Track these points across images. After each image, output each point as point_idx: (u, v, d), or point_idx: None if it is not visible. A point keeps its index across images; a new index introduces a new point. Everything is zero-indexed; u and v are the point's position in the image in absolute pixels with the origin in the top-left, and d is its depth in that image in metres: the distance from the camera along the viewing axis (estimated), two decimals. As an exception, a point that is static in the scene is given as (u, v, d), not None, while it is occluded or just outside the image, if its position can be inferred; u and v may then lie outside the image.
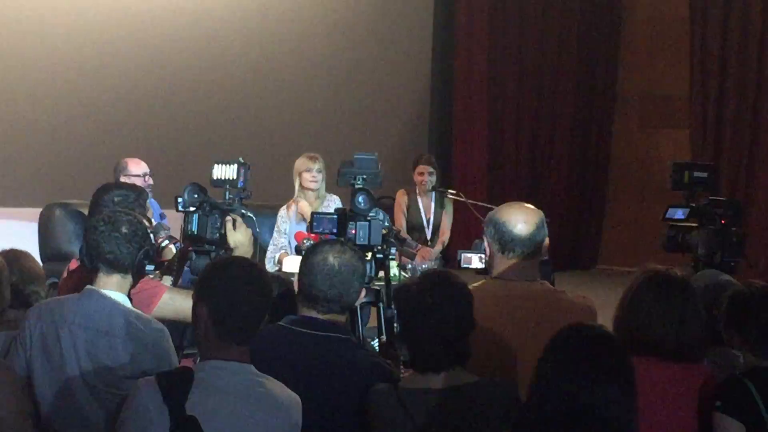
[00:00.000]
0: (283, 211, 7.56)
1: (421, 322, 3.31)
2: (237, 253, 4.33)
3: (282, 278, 4.94)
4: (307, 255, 3.67)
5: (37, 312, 3.78)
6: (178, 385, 3.01)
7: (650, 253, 6.55)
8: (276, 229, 7.54)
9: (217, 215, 4.40)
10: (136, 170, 7.42)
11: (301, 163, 7.57)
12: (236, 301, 3.11)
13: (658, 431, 3.51)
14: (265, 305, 3.18)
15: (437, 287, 3.35)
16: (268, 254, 7.48)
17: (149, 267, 3.91)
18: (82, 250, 3.84)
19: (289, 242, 7.39)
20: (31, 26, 9.45)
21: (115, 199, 4.49)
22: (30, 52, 9.41)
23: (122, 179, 7.25)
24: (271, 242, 7.53)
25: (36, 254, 7.15)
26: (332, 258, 3.59)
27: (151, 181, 7.39)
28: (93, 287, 3.78)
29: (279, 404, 3.10)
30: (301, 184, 7.53)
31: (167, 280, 4.98)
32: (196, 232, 4.40)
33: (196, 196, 4.44)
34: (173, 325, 4.17)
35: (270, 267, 7.26)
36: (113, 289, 3.78)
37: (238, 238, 4.39)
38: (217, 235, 4.38)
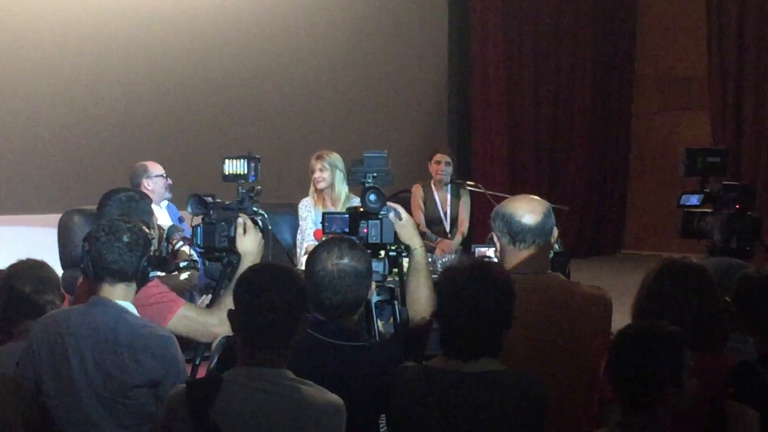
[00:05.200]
0: (307, 201, 7.55)
1: (458, 312, 3.30)
2: (245, 261, 4.33)
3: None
4: (307, 262, 3.65)
5: (43, 323, 3.78)
6: (204, 392, 3.05)
7: (674, 237, 6.52)
8: (300, 218, 7.53)
9: (223, 223, 4.43)
10: (157, 170, 7.51)
11: (311, 162, 7.55)
12: (255, 307, 3.12)
13: (681, 418, 3.49)
14: (291, 311, 3.15)
15: (481, 281, 3.31)
16: (298, 243, 7.52)
17: (153, 273, 3.89)
18: (82, 261, 3.81)
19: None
20: (48, 34, 9.47)
21: (123, 198, 4.41)
22: (47, 58, 9.42)
23: (145, 181, 7.42)
24: (298, 233, 7.54)
25: (56, 261, 7.19)
26: (330, 265, 3.55)
27: (170, 181, 7.54)
28: (98, 297, 3.77)
29: (313, 409, 3.06)
30: (313, 184, 7.51)
31: (194, 275, 5.29)
32: (201, 245, 4.48)
33: (198, 207, 4.49)
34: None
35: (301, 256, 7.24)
36: (119, 298, 3.76)
37: (246, 246, 4.38)
38: (226, 242, 4.42)
